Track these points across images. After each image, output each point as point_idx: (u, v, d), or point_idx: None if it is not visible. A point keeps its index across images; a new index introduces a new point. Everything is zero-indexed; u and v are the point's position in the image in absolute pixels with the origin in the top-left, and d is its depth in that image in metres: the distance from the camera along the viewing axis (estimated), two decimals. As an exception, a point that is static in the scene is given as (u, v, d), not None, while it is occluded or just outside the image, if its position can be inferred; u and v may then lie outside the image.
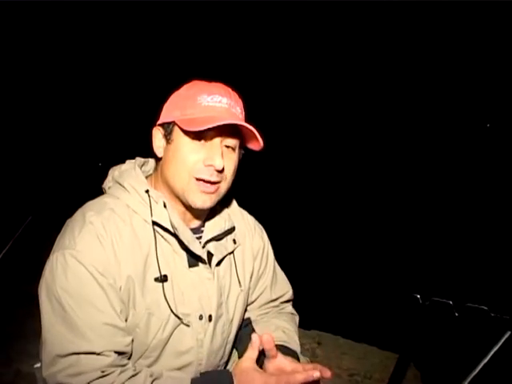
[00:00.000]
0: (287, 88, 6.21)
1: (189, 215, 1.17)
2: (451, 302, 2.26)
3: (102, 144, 6.14)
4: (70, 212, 1.13)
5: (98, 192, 1.19)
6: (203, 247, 1.16)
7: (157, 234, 1.09)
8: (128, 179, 1.12)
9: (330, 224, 5.23)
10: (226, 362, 1.27)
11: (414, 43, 5.26)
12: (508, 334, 1.61)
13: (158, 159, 1.15)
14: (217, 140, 1.07)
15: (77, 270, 0.99)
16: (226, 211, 1.25)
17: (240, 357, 1.20)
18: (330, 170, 5.88)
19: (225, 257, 1.21)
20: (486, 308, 2.15)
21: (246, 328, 1.31)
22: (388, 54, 5.55)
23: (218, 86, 1.11)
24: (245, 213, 1.36)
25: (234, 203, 1.33)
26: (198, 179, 1.07)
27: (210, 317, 1.14)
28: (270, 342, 1.03)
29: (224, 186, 1.12)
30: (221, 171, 1.07)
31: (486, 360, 1.66)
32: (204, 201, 1.09)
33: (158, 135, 1.13)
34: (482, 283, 3.41)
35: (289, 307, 1.42)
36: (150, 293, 1.06)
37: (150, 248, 1.08)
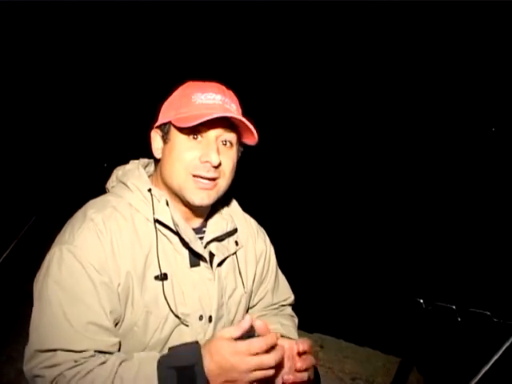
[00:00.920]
0: (287, 88, 6.20)
1: (190, 214, 1.17)
2: (454, 307, 2.26)
3: (107, 145, 6.16)
4: (75, 212, 1.13)
5: (103, 192, 1.20)
6: (205, 247, 1.16)
7: (158, 232, 1.10)
8: (131, 179, 1.13)
9: (333, 228, 5.22)
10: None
11: (419, 45, 5.25)
12: (511, 339, 1.60)
13: (157, 161, 1.16)
14: (212, 136, 1.08)
15: (71, 264, 1.00)
16: (228, 213, 1.26)
17: None
18: (334, 174, 5.87)
19: (226, 258, 1.21)
20: (488, 313, 2.15)
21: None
22: (393, 56, 5.54)
23: (213, 85, 1.12)
24: (248, 216, 1.37)
25: (237, 206, 1.33)
26: (195, 176, 1.07)
27: (211, 317, 1.14)
28: (264, 328, 0.95)
29: (223, 183, 1.12)
30: (217, 167, 1.07)
31: (488, 365, 1.65)
32: (202, 198, 1.09)
33: (156, 137, 1.14)
34: (485, 288, 3.39)
35: (288, 309, 1.42)
36: (148, 291, 1.06)
37: (151, 246, 1.08)
